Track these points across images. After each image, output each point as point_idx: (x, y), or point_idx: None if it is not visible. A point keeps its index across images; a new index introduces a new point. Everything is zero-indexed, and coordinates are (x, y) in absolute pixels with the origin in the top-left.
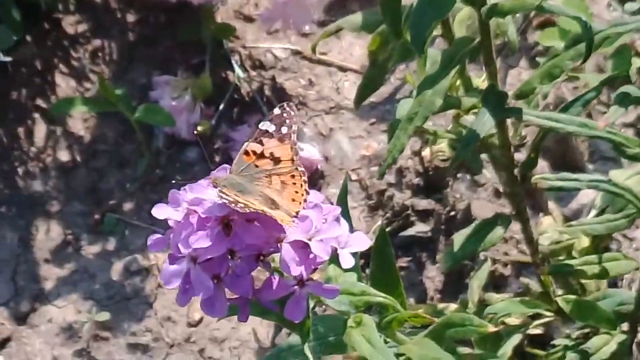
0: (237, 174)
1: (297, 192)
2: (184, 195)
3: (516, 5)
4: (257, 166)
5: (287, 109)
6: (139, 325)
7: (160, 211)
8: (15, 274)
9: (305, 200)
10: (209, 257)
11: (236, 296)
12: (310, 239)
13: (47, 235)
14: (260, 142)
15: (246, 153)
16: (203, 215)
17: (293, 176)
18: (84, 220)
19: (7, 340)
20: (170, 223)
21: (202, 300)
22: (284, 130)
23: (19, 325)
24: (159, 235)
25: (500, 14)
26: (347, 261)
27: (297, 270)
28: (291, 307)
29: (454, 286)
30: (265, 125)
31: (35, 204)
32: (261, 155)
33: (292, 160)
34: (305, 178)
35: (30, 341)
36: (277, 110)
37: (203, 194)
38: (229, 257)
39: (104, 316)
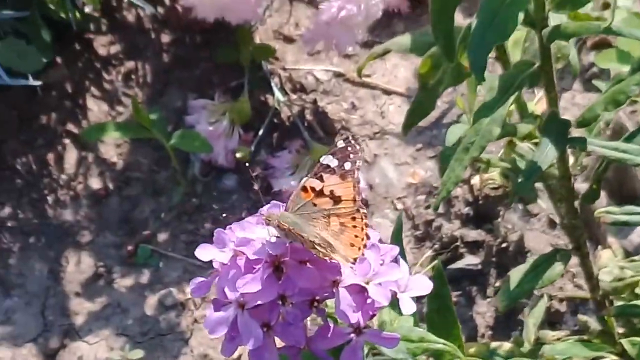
0: (293, 212)
1: (357, 236)
2: (230, 234)
3: (581, 28)
4: (315, 204)
5: (352, 142)
6: None
7: (204, 252)
8: (44, 308)
9: (365, 246)
10: (258, 302)
11: (286, 345)
12: (368, 283)
13: (78, 267)
14: (321, 178)
15: (304, 189)
16: (252, 257)
17: (354, 218)
18: (116, 251)
19: None
20: (216, 265)
21: (251, 350)
22: (347, 166)
23: None
24: (202, 279)
25: (564, 37)
26: (408, 307)
27: (354, 317)
28: (347, 357)
29: (506, 322)
30: (326, 160)
31: (65, 234)
32: (320, 193)
33: (354, 200)
34: (367, 221)
35: None
36: (340, 144)
37: (251, 233)
38: (280, 303)
39: (138, 354)
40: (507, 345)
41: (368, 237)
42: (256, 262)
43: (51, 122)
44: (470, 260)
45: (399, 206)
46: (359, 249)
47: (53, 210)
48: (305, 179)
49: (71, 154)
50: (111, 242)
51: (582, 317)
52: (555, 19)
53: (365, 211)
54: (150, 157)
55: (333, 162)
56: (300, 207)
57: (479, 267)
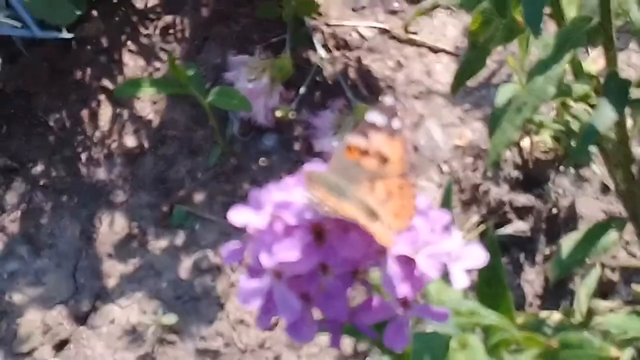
0: (335, 173)
1: (403, 206)
2: (267, 195)
3: None
4: (359, 165)
5: (401, 100)
6: (209, 328)
7: (238, 215)
8: (75, 269)
9: (412, 217)
10: (296, 272)
11: (326, 319)
12: (416, 253)
13: (111, 228)
14: (367, 137)
15: (349, 148)
16: (291, 222)
17: (402, 188)
18: (151, 212)
19: (65, 342)
20: (250, 230)
21: (288, 324)
22: (396, 124)
23: (78, 325)
24: (234, 244)
25: None
26: (461, 280)
27: (402, 290)
28: (392, 333)
29: (556, 291)
30: (374, 117)
31: (98, 194)
32: (366, 153)
33: (402, 161)
34: (415, 190)
35: (90, 343)
36: (388, 100)
37: (290, 195)
38: (321, 273)
39: (171, 318)
40: (556, 316)
41: (415, 209)
42: (295, 227)
43: (86, 77)
44: (518, 226)
45: (445, 169)
46: (404, 220)
47: (86, 168)
48: (348, 136)
49: (106, 110)
50: (145, 202)
51: (636, 287)
52: None
53: (412, 180)
54: (188, 115)
55: (380, 120)
56: (344, 167)
57: (528, 233)
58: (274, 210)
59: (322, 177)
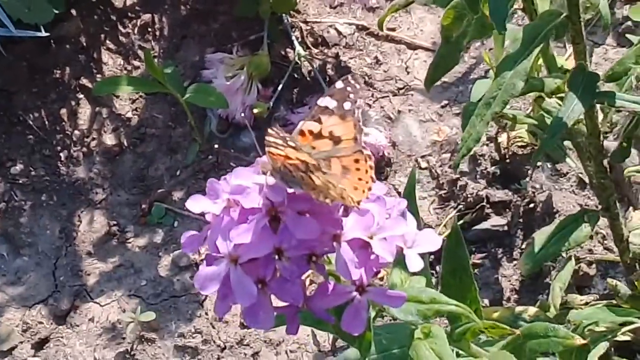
0: None
1: (360, 179)
2: (225, 185)
3: None
4: (314, 148)
5: (352, 82)
6: (188, 325)
7: (195, 204)
8: (55, 268)
9: (370, 189)
10: (252, 256)
11: (284, 304)
12: (371, 237)
13: (90, 226)
14: (319, 121)
15: (302, 133)
16: (248, 206)
17: (357, 160)
18: (130, 210)
19: (45, 340)
20: (208, 217)
21: (244, 309)
22: (347, 106)
23: (58, 324)
24: (194, 232)
25: None
26: (415, 263)
27: (356, 273)
28: (349, 318)
29: (532, 286)
30: (324, 102)
31: (78, 192)
32: (319, 135)
33: (355, 139)
34: (372, 163)
35: (70, 342)
36: (339, 84)
37: (248, 181)
38: (276, 257)
39: (150, 316)
40: (532, 310)
41: (373, 180)
42: (251, 212)
43: (65, 76)
44: (496, 221)
45: (423, 165)
46: (364, 191)
47: (65, 167)
48: (302, 122)
49: (85, 109)
50: (125, 200)
51: (611, 280)
52: None
53: (369, 153)
54: (166, 113)
55: (331, 104)
56: None
57: (505, 228)
58: (230, 194)
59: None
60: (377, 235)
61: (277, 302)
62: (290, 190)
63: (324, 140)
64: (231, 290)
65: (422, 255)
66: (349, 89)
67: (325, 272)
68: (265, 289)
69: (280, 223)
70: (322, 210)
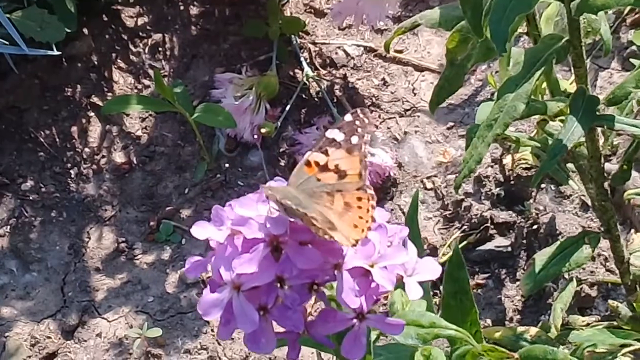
0: (295, 187)
1: (361, 217)
2: (229, 212)
3: (610, 0)
4: (319, 180)
5: (361, 115)
6: (194, 342)
7: (200, 230)
8: (64, 283)
9: (369, 229)
10: (254, 284)
11: (285, 330)
12: (372, 266)
13: (99, 242)
14: (326, 153)
15: (308, 164)
16: (250, 236)
17: (360, 199)
18: (138, 227)
19: (53, 355)
20: (212, 244)
21: (246, 334)
22: (354, 140)
23: (66, 339)
24: (198, 258)
25: (592, 9)
26: (415, 292)
27: (356, 302)
28: (349, 344)
29: (535, 306)
30: (333, 134)
31: (87, 209)
32: (325, 168)
33: (360, 175)
34: (374, 203)
35: (78, 357)
36: (348, 117)
37: (251, 211)
38: (278, 285)
39: (157, 332)
40: (533, 330)
41: (373, 220)
42: (254, 241)
43: (76, 94)
44: (500, 242)
45: (429, 185)
46: (362, 231)
47: (75, 184)
48: (309, 153)
49: (95, 127)
50: (133, 217)
51: (612, 302)
52: None
53: (372, 192)
54: (176, 131)
55: (339, 136)
56: (303, 182)
57: (509, 249)
58: (233, 224)
59: (283, 192)
60: (378, 264)
61: (278, 328)
62: (292, 219)
63: (330, 173)
64: (234, 316)
65: (422, 283)
66: (357, 122)
67: (326, 299)
68: (266, 316)
69: (281, 252)
70: (324, 240)
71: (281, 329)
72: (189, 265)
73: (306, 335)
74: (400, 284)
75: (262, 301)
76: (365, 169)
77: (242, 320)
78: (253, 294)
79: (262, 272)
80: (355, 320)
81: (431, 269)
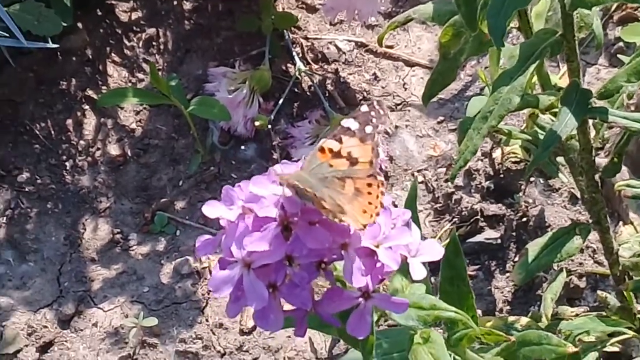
0: (308, 172)
1: (370, 203)
2: (239, 192)
3: None
4: (331, 166)
5: (377, 107)
6: (189, 331)
7: (211, 209)
8: (60, 274)
9: (377, 214)
10: (265, 262)
11: (293, 308)
12: (377, 246)
13: (94, 233)
14: (340, 140)
15: (322, 150)
16: (261, 215)
17: (370, 185)
18: (133, 218)
19: (49, 344)
20: (223, 223)
21: (255, 311)
22: (368, 129)
23: (62, 328)
24: (208, 237)
25: (586, 4)
26: (418, 272)
27: (362, 280)
28: (354, 322)
29: (524, 297)
30: (348, 123)
31: (82, 201)
32: (338, 154)
33: (371, 162)
34: (384, 189)
35: (74, 346)
36: (364, 108)
37: (263, 189)
38: (287, 263)
39: (152, 321)
40: (524, 320)
41: (382, 206)
42: (265, 220)
43: (71, 87)
44: (489, 235)
45: (420, 179)
46: (371, 216)
47: (71, 176)
48: (323, 140)
49: (90, 119)
50: (128, 209)
51: (601, 293)
52: None
53: (382, 179)
54: (170, 124)
55: (354, 125)
56: (316, 167)
57: (499, 241)
58: (245, 203)
59: (296, 176)
60: (383, 245)
61: (286, 306)
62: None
63: (342, 159)
64: (243, 293)
65: (424, 264)
66: (372, 113)
67: (333, 278)
68: (275, 293)
69: (291, 232)
70: (332, 221)
71: (289, 307)
72: (199, 244)
73: (313, 313)
74: (401, 265)
75: (271, 279)
76: (377, 157)
77: (252, 296)
78: (263, 271)
79: (272, 250)
80: (361, 299)
81: (434, 250)
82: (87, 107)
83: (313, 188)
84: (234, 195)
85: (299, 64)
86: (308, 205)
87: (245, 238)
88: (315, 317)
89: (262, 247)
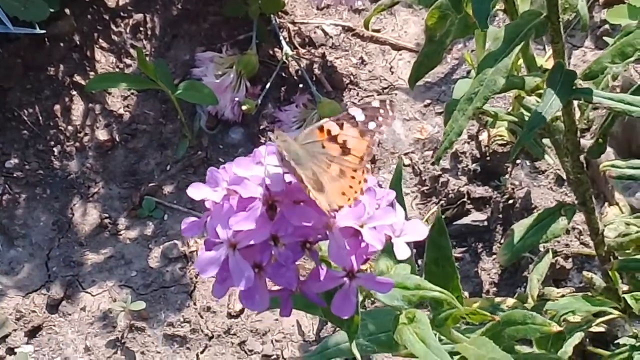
0: (300, 144)
1: (351, 187)
2: (224, 173)
3: None
4: (323, 147)
5: (387, 106)
6: (177, 315)
7: (196, 191)
8: (48, 258)
9: (355, 199)
10: (250, 243)
11: (278, 288)
12: (362, 226)
13: (83, 218)
14: (341, 126)
15: (321, 129)
16: (246, 195)
17: (355, 170)
18: (121, 203)
19: (38, 328)
20: (208, 205)
21: (241, 291)
22: (371, 125)
23: (51, 313)
24: (194, 218)
25: None
26: (403, 251)
27: (347, 260)
28: (339, 302)
29: (511, 279)
30: (355, 112)
31: (71, 186)
32: (334, 139)
33: (362, 159)
34: (367, 177)
35: (62, 330)
36: (375, 103)
37: (247, 171)
38: (272, 243)
39: (140, 305)
40: (510, 301)
41: (362, 192)
42: (249, 200)
43: (58, 73)
44: (476, 217)
45: (406, 162)
46: (349, 199)
47: (59, 161)
48: (326, 119)
49: (78, 105)
50: (116, 194)
51: (587, 273)
52: None
53: (368, 167)
54: (157, 109)
55: (360, 117)
56: (310, 142)
57: (485, 223)
58: (230, 184)
59: (288, 142)
60: (368, 224)
61: (271, 286)
62: (287, 180)
63: (336, 145)
64: (229, 274)
65: (409, 244)
66: (381, 111)
67: (318, 258)
68: (261, 273)
69: (276, 212)
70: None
71: (275, 288)
72: (185, 225)
73: (297, 293)
74: (386, 245)
75: (256, 259)
76: (369, 156)
77: (237, 277)
78: (248, 252)
79: (257, 230)
80: (345, 279)
81: (418, 229)
82: (74, 92)
83: (298, 160)
84: (219, 177)
85: (286, 48)
86: (293, 184)
87: (231, 218)
88: (301, 298)
89: (248, 226)
